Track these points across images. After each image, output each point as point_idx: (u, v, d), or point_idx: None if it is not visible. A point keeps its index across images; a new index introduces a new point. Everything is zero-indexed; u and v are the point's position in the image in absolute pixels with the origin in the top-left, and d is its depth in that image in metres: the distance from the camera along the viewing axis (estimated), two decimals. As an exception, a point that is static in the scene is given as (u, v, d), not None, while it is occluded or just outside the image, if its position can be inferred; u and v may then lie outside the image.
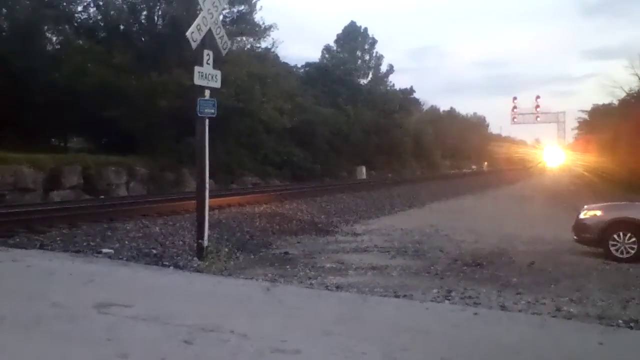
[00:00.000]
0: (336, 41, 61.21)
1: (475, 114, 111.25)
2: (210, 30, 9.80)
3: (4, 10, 29.10)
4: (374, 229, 16.40)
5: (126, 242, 11.15)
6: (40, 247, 10.10)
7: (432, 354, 4.86)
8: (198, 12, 9.92)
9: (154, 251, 10.62)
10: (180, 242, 11.65)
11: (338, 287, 8.24)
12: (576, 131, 73.97)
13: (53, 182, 20.32)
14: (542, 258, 11.56)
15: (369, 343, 5.12)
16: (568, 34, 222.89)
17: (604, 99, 53.04)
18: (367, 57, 63.25)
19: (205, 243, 9.84)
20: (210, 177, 10.45)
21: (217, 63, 10.30)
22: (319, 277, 9.21)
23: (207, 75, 9.80)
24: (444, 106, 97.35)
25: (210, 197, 11.03)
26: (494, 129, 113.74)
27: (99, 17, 30.81)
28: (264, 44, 36.63)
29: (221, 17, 17.91)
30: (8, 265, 8.18)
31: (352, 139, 45.92)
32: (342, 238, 14.53)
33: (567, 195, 30.40)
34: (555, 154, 79.43)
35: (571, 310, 7.21)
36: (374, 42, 63.53)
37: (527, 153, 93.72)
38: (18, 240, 10.62)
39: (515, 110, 73.34)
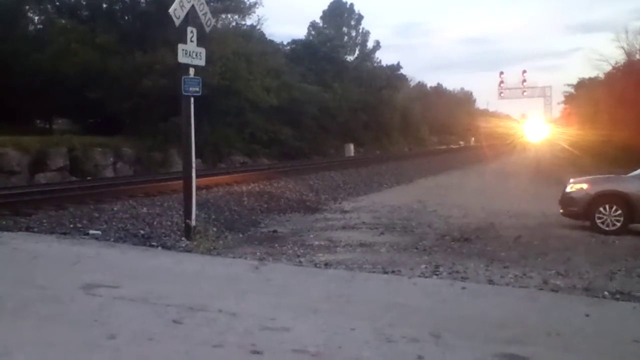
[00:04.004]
0: (322, 17, 60.56)
1: (462, 89, 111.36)
2: (193, 7, 9.66)
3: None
4: (362, 206, 16.44)
5: (113, 224, 11.07)
6: (27, 230, 10.02)
7: (420, 329, 4.89)
8: (181, -12, 9.75)
9: (142, 232, 10.57)
10: (168, 223, 11.60)
11: (327, 265, 8.26)
12: (562, 105, 74.04)
13: (39, 165, 20.12)
14: (529, 232, 11.66)
15: (357, 319, 5.14)
16: (554, 8, 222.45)
17: (590, 73, 53.14)
18: (353, 34, 62.71)
19: (193, 223, 9.82)
20: (197, 157, 10.41)
21: (202, 41, 10.18)
22: (307, 255, 9.23)
23: (191, 53, 9.69)
24: (431, 82, 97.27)
25: (198, 176, 10.99)
26: (481, 104, 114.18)
27: (81, -4, 30.33)
28: (249, 22, 36.34)
29: (205, -6, 17.67)
30: (-6, 249, 8.11)
31: (339, 116, 45.74)
32: (330, 215, 14.56)
33: (551, 169, 30.60)
34: (538, 128, 79.50)
35: (558, 283, 7.28)
36: (360, 18, 63.01)
37: (513, 128, 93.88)
38: (4, 223, 10.50)
39: (502, 85, 73.03)
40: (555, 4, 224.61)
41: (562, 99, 71.69)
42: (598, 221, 12.04)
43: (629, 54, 36.25)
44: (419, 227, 12.46)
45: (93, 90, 24.96)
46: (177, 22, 9.43)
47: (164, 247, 9.24)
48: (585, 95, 50.42)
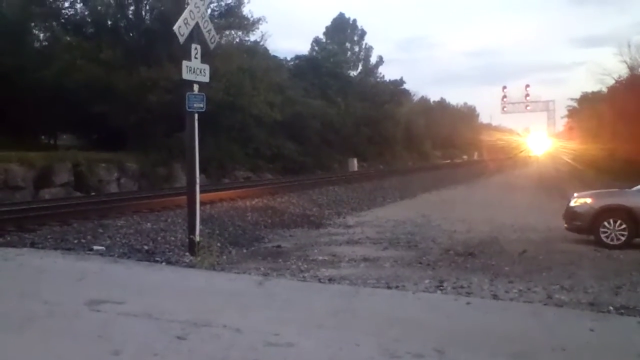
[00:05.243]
0: (325, 33, 61.02)
1: (465, 104, 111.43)
2: (197, 24, 9.74)
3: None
4: (366, 220, 16.43)
5: (118, 239, 11.11)
6: (32, 246, 10.05)
7: (425, 344, 4.87)
8: (185, 5, 9.86)
9: (146, 247, 10.60)
10: (172, 238, 11.63)
11: (331, 280, 8.24)
12: (566, 119, 74.10)
13: (43, 180, 20.20)
14: (533, 246, 11.63)
15: (362, 335, 5.13)
16: (557, 22, 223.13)
17: (594, 87, 53.21)
18: (356, 49, 63.10)
19: (197, 238, 9.81)
20: (201, 172, 10.42)
21: (206, 57, 10.25)
22: (311, 270, 9.22)
23: (195, 70, 9.76)
24: (434, 97, 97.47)
25: (202, 192, 11.02)
26: (484, 118, 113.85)
27: (86, 13, 30.50)
28: (253, 38, 36.43)
29: (209, 10, 17.85)
30: (-1, 264, 8.14)
31: (343, 131, 45.87)
32: (334, 230, 14.55)
33: (555, 183, 30.56)
34: (541, 142, 79.48)
35: (562, 297, 7.25)
36: (363, 33, 63.46)
37: (516, 142, 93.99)
38: (9, 239, 10.57)
39: (505, 99, 73.09)
40: (559, 17, 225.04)
41: (566, 113, 71.77)
42: (602, 235, 12.00)
43: (631, 68, 36.35)
44: (422, 241, 12.44)
45: (98, 106, 25.10)
46: (182, 40, 9.50)
47: (168, 262, 9.25)
48: (588, 109, 50.49)
